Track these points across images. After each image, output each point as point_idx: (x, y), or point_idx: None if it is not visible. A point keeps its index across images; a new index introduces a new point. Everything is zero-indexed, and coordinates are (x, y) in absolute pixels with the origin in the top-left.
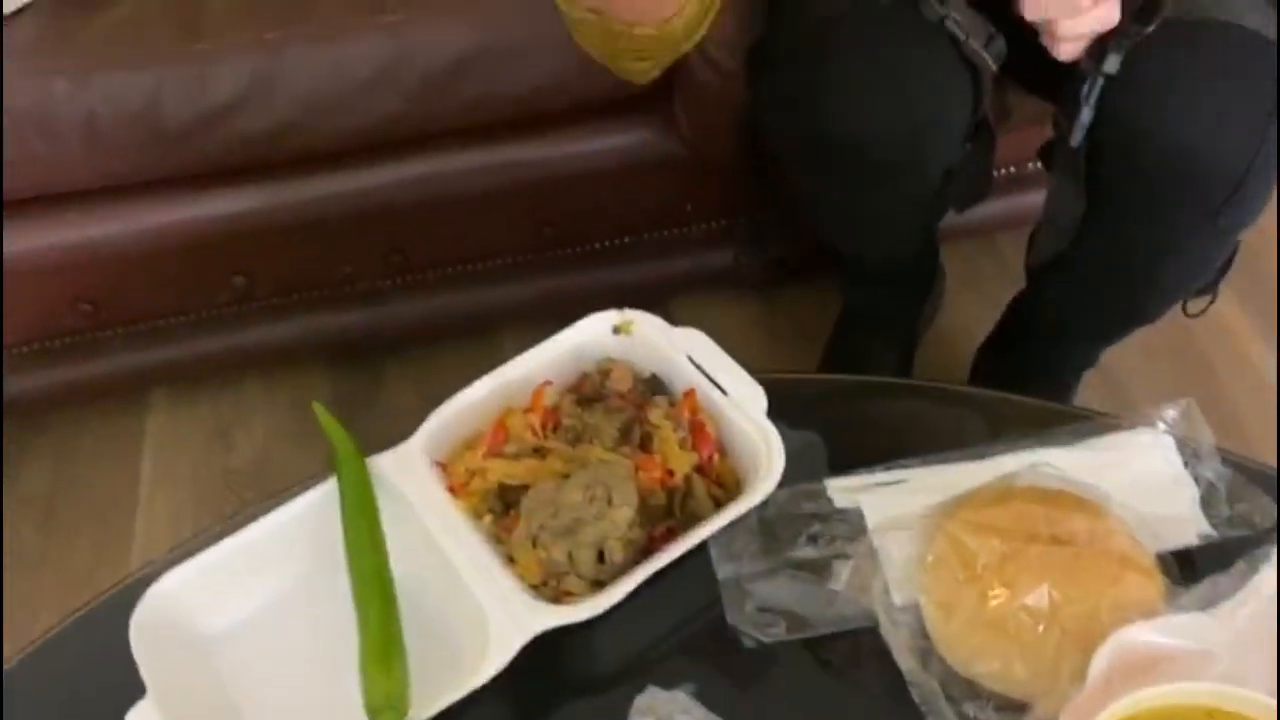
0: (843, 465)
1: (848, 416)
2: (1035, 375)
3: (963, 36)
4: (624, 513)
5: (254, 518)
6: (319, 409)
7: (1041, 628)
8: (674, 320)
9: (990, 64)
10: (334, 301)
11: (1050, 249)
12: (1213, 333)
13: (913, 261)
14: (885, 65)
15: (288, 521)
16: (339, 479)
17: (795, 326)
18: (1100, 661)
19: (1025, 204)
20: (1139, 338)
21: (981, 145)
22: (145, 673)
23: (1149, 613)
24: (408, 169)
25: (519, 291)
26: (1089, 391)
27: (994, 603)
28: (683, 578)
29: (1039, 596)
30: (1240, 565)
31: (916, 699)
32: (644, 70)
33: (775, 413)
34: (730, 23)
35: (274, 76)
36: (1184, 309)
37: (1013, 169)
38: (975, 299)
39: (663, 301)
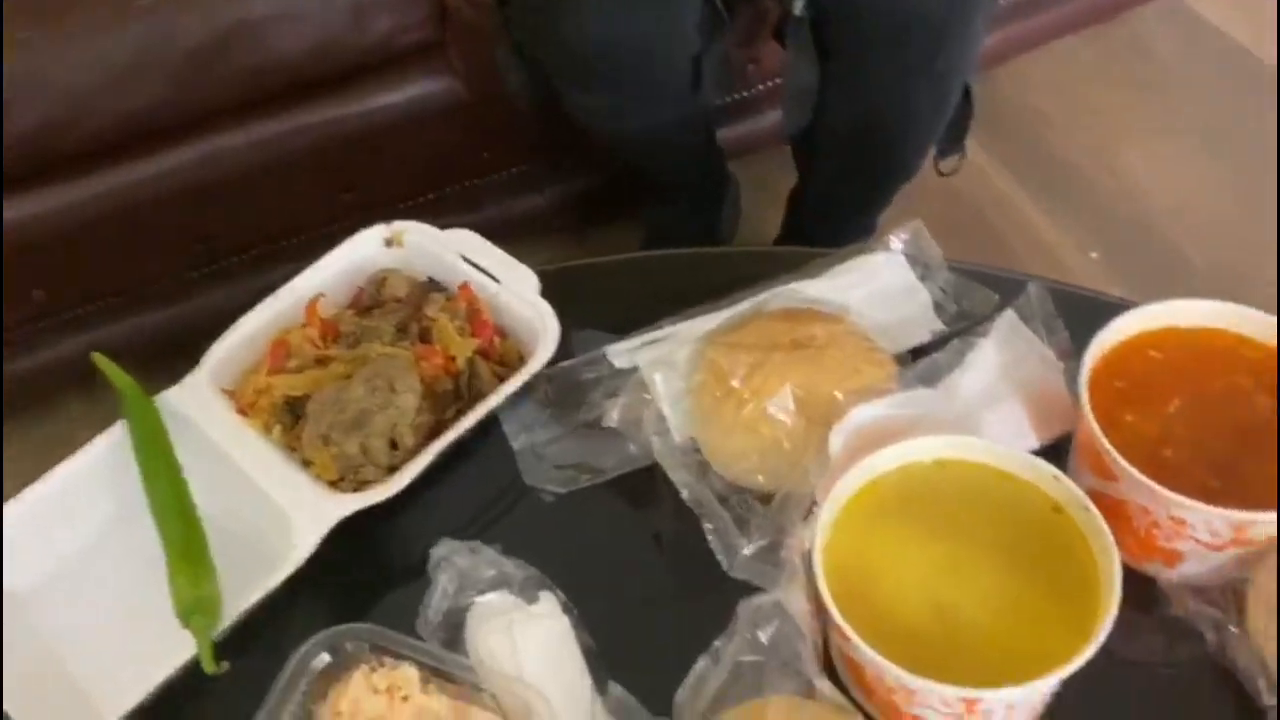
0: (621, 335)
1: (623, 290)
2: None
3: None
4: (408, 399)
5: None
6: (98, 357)
7: (789, 422)
8: None
9: None
10: (139, 303)
11: (796, 120)
12: (993, 200)
13: (700, 171)
14: None
15: (82, 469)
16: (128, 419)
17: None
18: (837, 438)
19: None
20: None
21: (718, 32)
22: None
23: (882, 395)
24: (193, 151)
25: None
26: None
27: (747, 408)
28: (482, 456)
29: (783, 395)
30: (955, 343)
31: (691, 505)
32: None
33: (556, 298)
34: None
35: (33, 74)
36: (937, 167)
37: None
38: (771, 209)
39: None
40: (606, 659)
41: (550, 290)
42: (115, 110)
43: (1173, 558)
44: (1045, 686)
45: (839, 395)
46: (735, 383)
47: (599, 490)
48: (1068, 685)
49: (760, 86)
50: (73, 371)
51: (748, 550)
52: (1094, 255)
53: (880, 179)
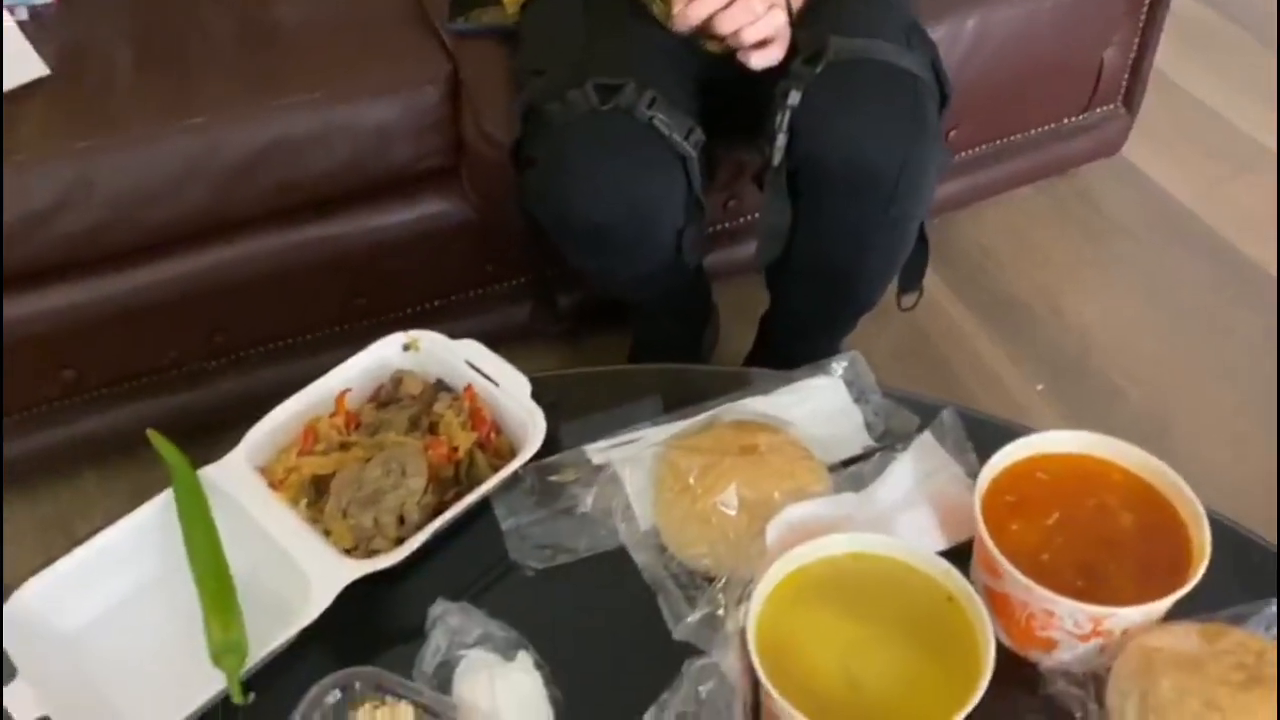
0: (599, 436)
1: (601, 398)
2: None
3: (667, 133)
4: (417, 481)
5: (101, 531)
6: (153, 434)
7: (734, 515)
8: None
9: (691, 152)
10: (162, 386)
11: (768, 253)
12: (945, 332)
13: (684, 299)
14: (609, 162)
15: (133, 528)
16: (174, 487)
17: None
18: (772, 532)
19: None
20: (885, 344)
21: (698, 213)
22: (18, 661)
23: (813, 497)
24: (221, 254)
25: (338, 360)
26: None
27: (700, 503)
28: (474, 533)
29: (729, 494)
30: (877, 457)
31: (649, 581)
32: None
33: (546, 403)
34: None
35: (88, 181)
36: (899, 303)
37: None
38: (748, 327)
39: None
40: (571, 710)
41: (542, 392)
42: (157, 216)
43: (1048, 645)
44: None
45: (777, 495)
46: (691, 480)
47: (573, 567)
48: None
49: (740, 219)
50: (92, 448)
51: (692, 619)
52: (1039, 387)
53: (841, 309)
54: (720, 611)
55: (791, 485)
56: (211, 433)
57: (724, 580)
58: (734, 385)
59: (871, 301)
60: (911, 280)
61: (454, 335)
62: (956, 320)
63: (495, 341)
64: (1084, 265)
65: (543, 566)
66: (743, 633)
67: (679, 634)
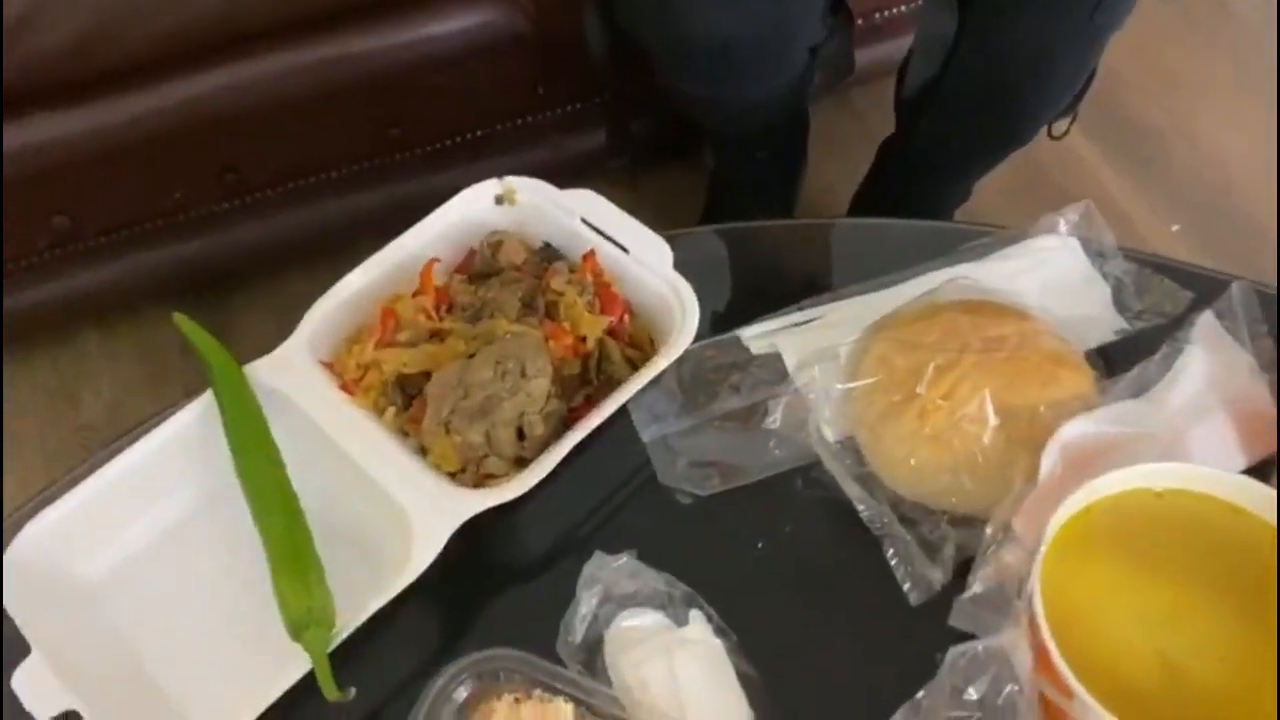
0: (750, 315)
1: (747, 264)
2: (909, 216)
3: None
4: (540, 384)
5: (122, 450)
6: (180, 319)
7: (986, 436)
8: None
9: None
10: (167, 233)
11: (922, 76)
12: (1065, 165)
13: (788, 132)
14: None
15: (162, 447)
16: (216, 392)
17: (665, 212)
18: (1049, 459)
19: (879, 55)
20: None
21: (841, 21)
22: (25, 628)
23: (1086, 407)
24: (232, 74)
25: (369, 201)
26: None
27: (934, 418)
28: (606, 448)
29: (979, 404)
30: (1164, 349)
31: (870, 525)
32: None
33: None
34: None
35: None
36: (1049, 131)
37: (861, 20)
38: (837, 161)
39: None
40: (771, 693)
41: None
42: (150, 28)
43: None
44: None
45: (1043, 408)
46: (919, 388)
47: (743, 495)
48: None
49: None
50: (91, 305)
51: (969, 594)
52: (1175, 228)
53: (997, 141)
54: (997, 576)
55: (1057, 392)
56: (223, 289)
57: (998, 528)
58: (918, 245)
59: (1033, 133)
60: (1072, 101)
61: (497, 172)
62: (1075, 150)
63: (541, 177)
64: (1220, 87)
65: (702, 494)
66: (1028, 604)
67: (954, 619)
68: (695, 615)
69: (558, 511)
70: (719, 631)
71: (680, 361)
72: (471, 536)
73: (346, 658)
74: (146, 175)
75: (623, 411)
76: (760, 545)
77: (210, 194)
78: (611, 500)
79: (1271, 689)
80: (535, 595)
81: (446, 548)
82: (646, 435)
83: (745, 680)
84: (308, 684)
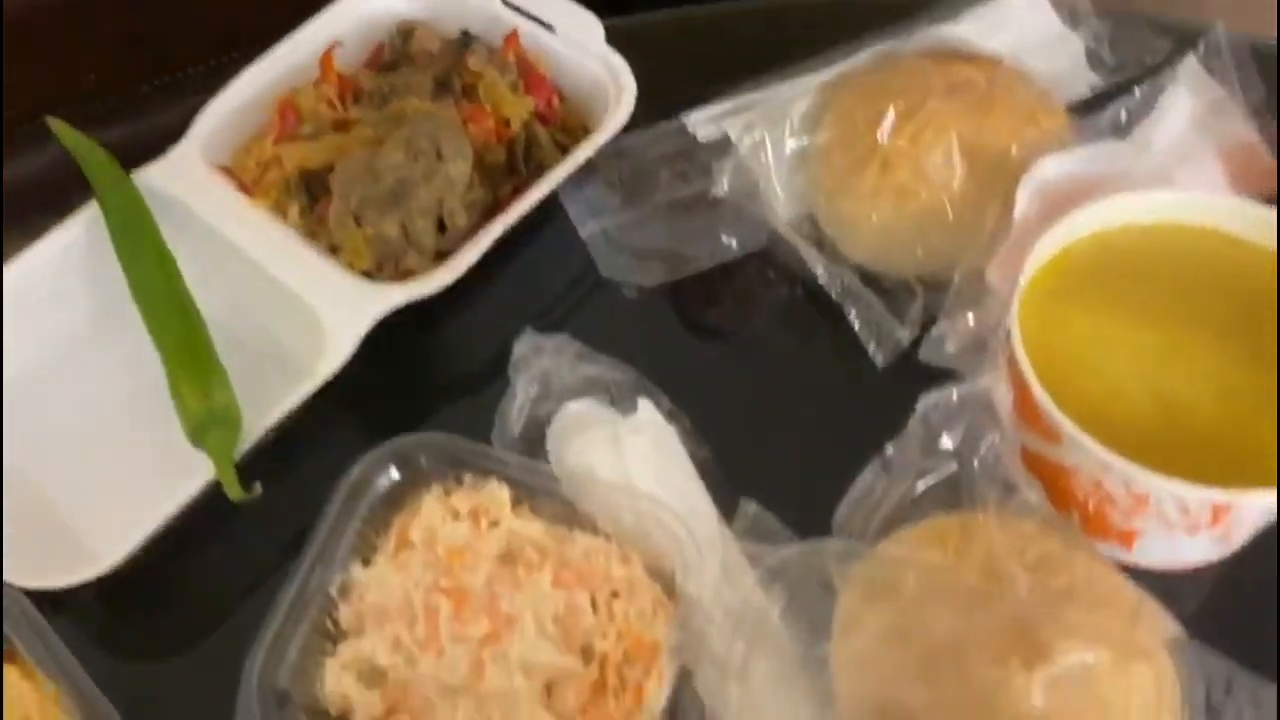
0: (695, 101)
1: (691, 46)
2: None
3: None
4: (458, 167)
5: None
6: (57, 124)
7: (955, 183)
8: None
9: None
10: (80, 121)
11: None
12: None
13: None
14: None
15: (45, 261)
16: (100, 200)
17: None
18: (1024, 198)
19: None
20: None
21: None
22: None
23: (1063, 148)
24: None
25: None
26: None
27: (898, 169)
28: (543, 246)
29: (946, 150)
30: (1144, 88)
31: (830, 290)
32: None
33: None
34: None
35: None
36: None
37: None
38: None
39: None
40: (732, 476)
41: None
42: None
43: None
44: None
45: (1015, 150)
46: (880, 137)
47: (692, 284)
48: None
49: None
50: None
51: (937, 331)
52: None
53: None
54: (963, 317)
55: (1033, 134)
56: None
57: (965, 273)
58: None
59: None
60: None
61: None
62: None
63: None
64: None
65: (650, 284)
66: (1006, 346)
67: (924, 353)
68: (644, 403)
69: (491, 313)
70: (670, 416)
71: (620, 154)
72: (399, 345)
73: (260, 467)
74: (48, 55)
75: (560, 209)
76: (713, 331)
77: (125, 73)
78: (549, 297)
79: (1271, 417)
80: (467, 394)
81: (370, 355)
82: (585, 231)
83: (701, 466)
84: (223, 508)
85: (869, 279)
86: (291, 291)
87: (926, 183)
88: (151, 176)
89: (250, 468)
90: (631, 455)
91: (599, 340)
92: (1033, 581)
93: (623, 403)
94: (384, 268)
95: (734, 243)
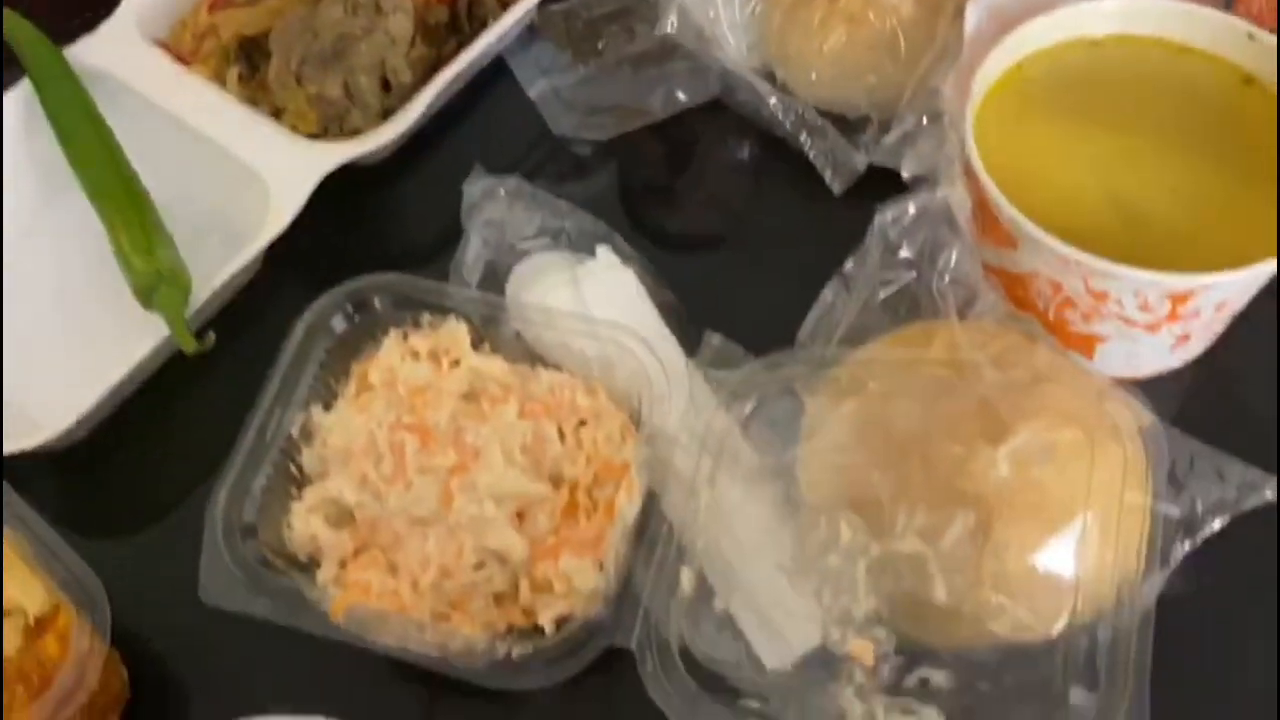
0: None
1: None
2: None
3: None
4: (399, 21)
5: None
6: None
7: (905, 7)
8: None
9: None
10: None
11: None
12: None
13: None
14: None
15: None
16: (32, 77)
17: None
18: (973, 17)
19: None
20: None
21: None
22: None
23: None
24: None
25: None
26: None
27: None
28: (492, 107)
29: None
30: None
31: (785, 122)
32: None
33: None
34: None
35: None
36: None
37: None
38: None
39: None
40: (695, 315)
41: None
42: None
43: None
44: (1262, 277)
45: None
46: None
47: (645, 135)
48: None
49: None
50: None
51: (890, 138)
52: None
53: None
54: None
55: None
56: None
57: (916, 87)
58: None
59: None
60: None
61: None
62: None
63: None
64: None
65: (604, 138)
66: (962, 157)
67: (876, 156)
68: (602, 249)
69: (444, 176)
70: (629, 260)
71: (567, 14)
72: (353, 208)
73: (216, 328)
74: None
75: (508, 71)
76: (669, 179)
77: None
78: (504, 160)
79: (1226, 221)
80: (423, 251)
81: (324, 219)
82: (534, 90)
83: (664, 308)
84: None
85: (823, 116)
86: (234, 157)
87: (876, 7)
88: (84, 52)
89: (204, 331)
90: (591, 296)
91: (552, 194)
92: (997, 371)
93: (581, 250)
94: (330, 131)
95: (685, 94)
